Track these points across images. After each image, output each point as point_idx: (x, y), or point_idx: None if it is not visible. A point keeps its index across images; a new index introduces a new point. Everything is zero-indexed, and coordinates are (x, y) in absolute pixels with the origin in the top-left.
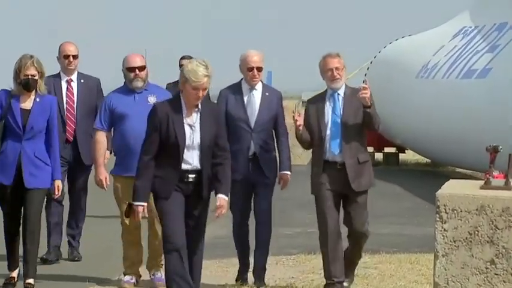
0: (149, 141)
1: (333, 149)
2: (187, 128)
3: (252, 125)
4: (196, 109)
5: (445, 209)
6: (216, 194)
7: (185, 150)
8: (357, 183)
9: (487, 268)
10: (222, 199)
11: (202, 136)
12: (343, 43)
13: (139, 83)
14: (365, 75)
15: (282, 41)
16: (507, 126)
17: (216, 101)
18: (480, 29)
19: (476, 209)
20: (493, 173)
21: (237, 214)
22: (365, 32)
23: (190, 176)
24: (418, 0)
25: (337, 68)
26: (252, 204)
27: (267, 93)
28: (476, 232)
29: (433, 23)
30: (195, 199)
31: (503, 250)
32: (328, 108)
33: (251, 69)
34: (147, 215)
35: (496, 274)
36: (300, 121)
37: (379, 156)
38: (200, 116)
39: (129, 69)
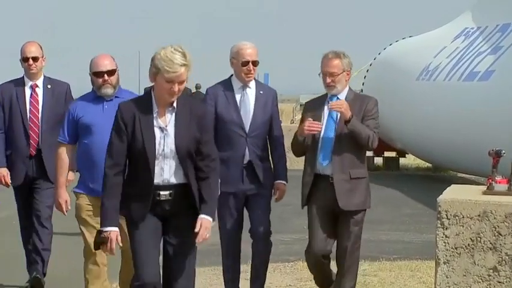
0: (114, 151)
1: (322, 160)
2: (157, 132)
3: (247, 128)
4: (171, 108)
5: (446, 215)
6: (198, 214)
7: (155, 160)
8: (345, 201)
9: (489, 276)
10: (205, 221)
11: (178, 142)
12: (342, 44)
13: (108, 90)
14: (364, 77)
15: (278, 41)
16: (510, 130)
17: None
18: (482, 30)
19: (479, 215)
20: (496, 178)
21: (227, 231)
22: (365, 33)
23: (162, 193)
24: (419, 1)
25: (331, 74)
26: (245, 219)
27: (261, 92)
28: (479, 239)
29: (434, 23)
30: (174, 223)
31: (507, 257)
32: (325, 114)
33: (246, 63)
34: (121, 244)
35: (499, 282)
36: (316, 129)
37: (379, 160)
38: (175, 117)
39: (96, 74)
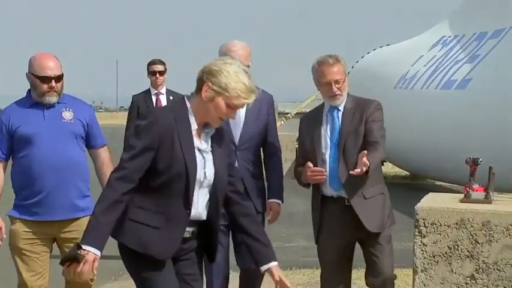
0: (134, 164)
1: (332, 183)
2: (197, 154)
3: (236, 140)
4: (207, 129)
5: (424, 223)
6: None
7: (195, 188)
8: (368, 223)
9: (467, 284)
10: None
11: (217, 168)
12: (320, 52)
13: (53, 99)
14: None
15: (255, 47)
16: (486, 138)
17: None
18: (460, 39)
19: (456, 223)
20: (473, 186)
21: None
22: (342, 41)
23: (187, 229)
24: (396, 10)
25: (337, 81)
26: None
27: None
28: (456, 247)
29: (411, 32)
30: (186, 264)
31: (484, 265)
32: (325, 129)
33: None
34: (95, 273)
35: None
36: (320, 177)
37: None
38: (211, 139)
39: (42, 79)
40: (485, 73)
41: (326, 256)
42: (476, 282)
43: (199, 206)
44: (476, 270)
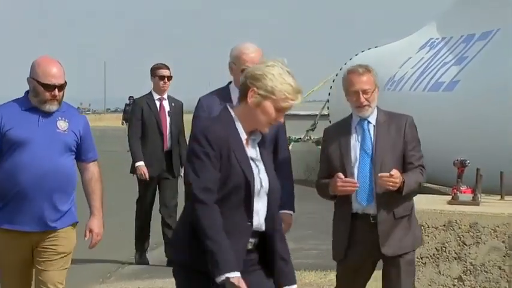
0: (210, 177)
1: (361, 197)
2: (252, 163)
3: None
4: (254, 136)
5: None
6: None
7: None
8: (387, 246)
9: (454, 285)
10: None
11: (270, 178)
12: (308, 54)
13: (54, 107)
14: (330, 87)
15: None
16: (474, 140)
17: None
18: (447, 41)
19: (444, 225)
20: (461, 188)
21: None
22: (331, 43)
23: (250, 240)
24: (384, 12)
25: (365, 92)
26: None
27: None
28: (444, 248)
29: (400, 34)
30: (256, 279)
31: (471, 267)
32: (354, 141)
33: None
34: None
35: None
36: (351, 188)
37: None
38: (259, 147)
39: (45, 87)
40: (473, 75)
41: (347, 273)
42: (463, 283)
43: (260, 216)
44: (463, 271)
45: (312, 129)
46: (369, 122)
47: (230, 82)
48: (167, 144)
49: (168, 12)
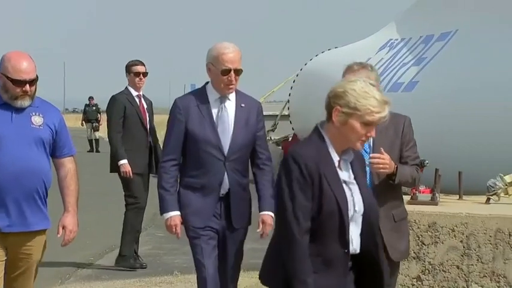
0: (302, 211)
1: None
2: (345, 188)
3: (226, 150)
4: (346, 156)
5: None
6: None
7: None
8: (393, 249)
9: (413, 285)
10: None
11: (366, 200)
12: (270, 55)
13: (26, 102)
14: (291, 88)
15: (202, 48)
16: (433, 141)
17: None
18: (407, 42)
19: None
20: (420, 188)
21: (206, 275)
22: (291, 43)
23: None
24: (345, 12)
25: None
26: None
27: (242, 105)
28: None
29: (359, 35)
30: None
31: (430, 266)
32: None
33: (227, 71)
34: None
35: None
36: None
37: None
38: (352, 167)
39: (15, 83)
40: (432, 76)
41: None
42: (422, 283)
43: (354, 242)
44: (422, 271)
45: (273, 130)
46: None
47: (207, 83)
48: (149, 140)
49: (131, 12)
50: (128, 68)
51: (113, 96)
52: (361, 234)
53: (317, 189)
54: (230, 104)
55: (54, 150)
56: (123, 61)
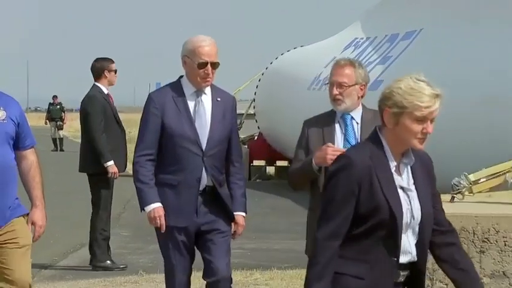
0: (340, 217)
1: None
2: (401, 194)
3: (204, 145)
4: (406, 159)
5: None
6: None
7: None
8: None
9: None
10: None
11: (424, 206)
12: (234, 53)
13: None
14: (256, 87)
15: (168, 47)
16: None
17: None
18: (372, 41)
19: None
20: None
21: (175, 276)
22: (256, 42)
23: (402, 273)
24: (310, 11)
25: (340, 85)
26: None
27: (218, 99)
28: None
29: (325, 33)
30: None
31: None
32: (338, 137)
33: (203, 65)
34: None
35: None
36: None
37: (271, 169)
38: (412, 171)
39: None
40: (397, 74)
41: None
42: None
43: (412, 250)
44: None
45: (238, 129)
46: (352, 119)
47: (181, 76)
48: (125, 140)
49: (95, 10)
50: (108, 66)
51: (92, 95)
52: (418, 245)
53: (367, 195)
54: (206, 98)
55: (17, 142)
56: (87, 59)
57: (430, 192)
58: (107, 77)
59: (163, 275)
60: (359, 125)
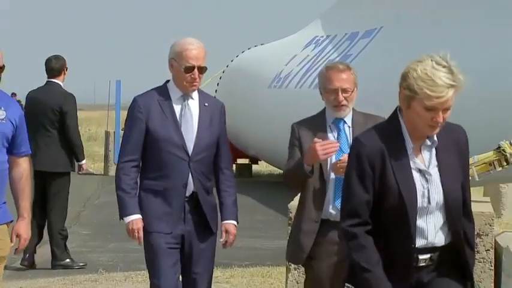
0: (357, 205)
1: (335, 200)
2: (417, 177)
3: (190, 150)
4: (430, 142)
5: None
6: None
7: (417, 216)
8: None
9: None
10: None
11: (447, 190)
12: None
13: None
14: (217, 84)
15: (128, 44)
16: None
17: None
18: (332, 39)
19: None
20: None
21: (162, 285)
22: (216, 40)
23: (421, 257)
24: (270, 9)
25: (345, 90)
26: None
27: (206, 104)
28: None
29: (285, 31)
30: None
31: None
32: (332, 138)
33: (190, 69)
34: None
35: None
36: (334, 149)
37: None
38: (438, 154)
39: None
40: (357, 73)
41: (316, 275)
42: None
43: (429, 234)
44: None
45: None
46: (344, 123)
47: (168, 81)
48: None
49: (52, 6)
50: (65, 64)
51: (70, 93)
52: (444, 227)
53: (379, 179)
54: (193, 103)
55: (12, 147)
56: (43, 57)
57: (461, 173)
58: (65, 74)
59: (123, 273)
60: (351, 129)
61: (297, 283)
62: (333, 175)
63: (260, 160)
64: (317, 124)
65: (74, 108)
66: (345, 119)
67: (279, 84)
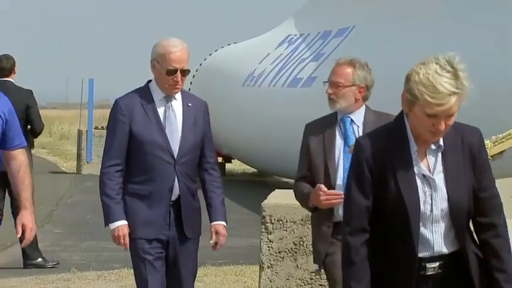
0: (356, 212)
1: None
2: (420, 184)
3: (175, 153)
4: (435, 146)
5: (270, 220)
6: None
7: (420, 224)
8: None
9: (311, 279)
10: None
11: (452, 197)
12: None
13: None
14: (190, 83)
15: (101, 43)
16: None
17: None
18: (305, 37)
19: (302, 219)
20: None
21: None
22: (190, 38)
23: (428, 266)
24: (243, 7)
25: (335, 84)
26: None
27: (189, 104)
28: (302, 242)
29: (258, 30)
30: None
31: None
32: (338, 141)
33: (173, 71)
34: None
35: (320, 285)
36: (336, 201)
37: None
38: (444, 158)
39: None
40: (330, 72)
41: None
42: (321, 277)
43: (435, 243)
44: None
45: None
46: (352, 121)
47: (150, 81)
48: None
49: (24, 2)
50: (15, 65)
51: (30, 90)
52: (449, 236)
53: (379, 184)
54: (177, 104)
55: (5, 141)
56: (14, 54)
57: (470, 178)
58: (15, 73)
59: (96, 272)
60: (360, 128)
61: (270, 281)
62: (340, 180)
63: (233, 159)
64: (327, 123)
65: (36, 104)
66: (353, 118)
67: (252, 82)
